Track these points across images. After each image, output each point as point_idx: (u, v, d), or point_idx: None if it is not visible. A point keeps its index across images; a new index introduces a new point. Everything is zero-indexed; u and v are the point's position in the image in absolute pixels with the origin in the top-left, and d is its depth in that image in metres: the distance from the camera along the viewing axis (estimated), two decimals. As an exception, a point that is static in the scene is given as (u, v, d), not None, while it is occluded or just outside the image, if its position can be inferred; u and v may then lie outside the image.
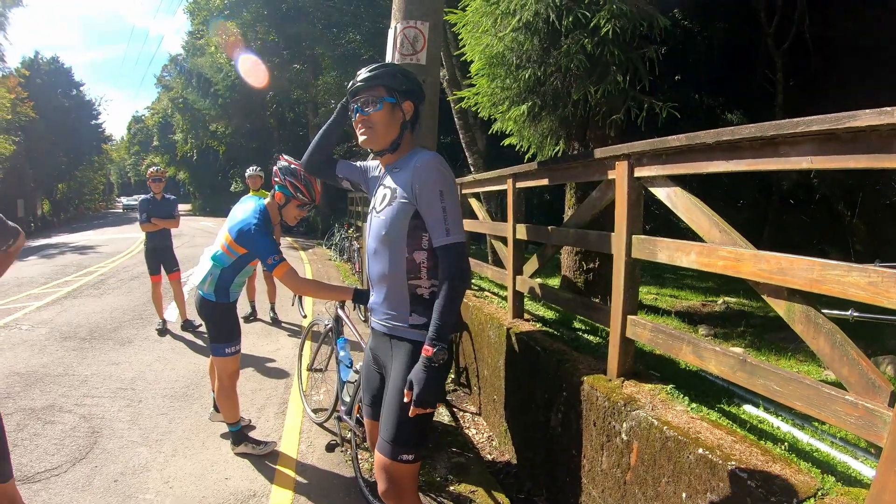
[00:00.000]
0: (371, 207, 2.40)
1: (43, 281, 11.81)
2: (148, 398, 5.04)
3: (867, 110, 1.60)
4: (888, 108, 1.54)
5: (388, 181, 2.33)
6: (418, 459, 2.28)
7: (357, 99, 2.33)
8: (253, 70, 21.11)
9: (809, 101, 11.60)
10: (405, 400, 2.12)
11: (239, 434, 4.07)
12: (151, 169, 7.43)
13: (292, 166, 3.58)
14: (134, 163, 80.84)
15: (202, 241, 19.98)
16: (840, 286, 1.74)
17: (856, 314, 2.48)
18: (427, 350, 2.09)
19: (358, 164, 2.68)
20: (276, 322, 7.86)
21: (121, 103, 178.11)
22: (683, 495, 2.15)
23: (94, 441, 4.23)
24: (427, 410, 2.12)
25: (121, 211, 63.35)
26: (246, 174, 8.13)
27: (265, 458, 4.02)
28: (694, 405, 2.49)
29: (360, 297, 3.51)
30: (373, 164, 2.61)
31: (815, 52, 11.53)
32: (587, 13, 4.40)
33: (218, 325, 3.85)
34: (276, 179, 3.60)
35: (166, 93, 44.08)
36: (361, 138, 2.33)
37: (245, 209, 3.64)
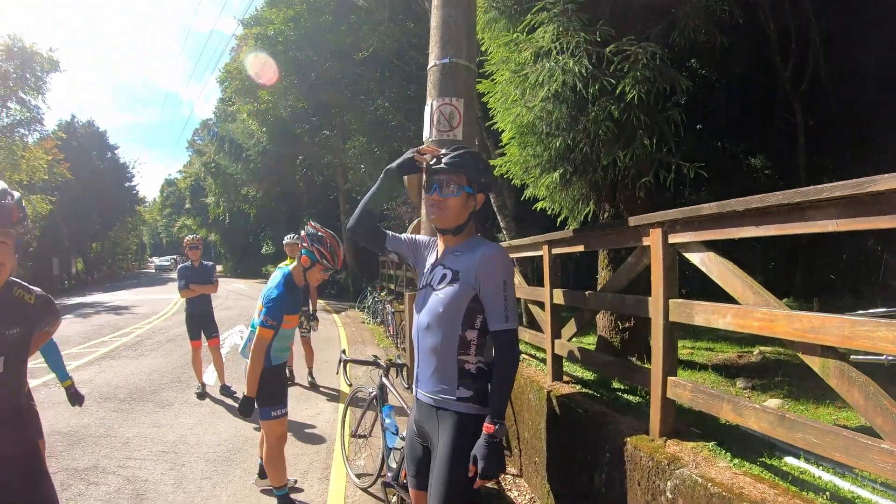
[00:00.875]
0: (425, 283, 2.53)
1: (80, 340, 12.11)
2: (191, 462, 5.14)
3: (886, 175, 1.72)
4: None
5: (450, 262, 2.46)
6: None
7: (436, 178, 2.45)
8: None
9: (830, 140, 11.67)
10: (469, 475, 2.22)
11: (285, 498, 4.16)
12: (189, 237, 7.72)
13: (319, 233, 3.89)
14: (166, 224, 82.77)
15: (234, 303, 20.32)
16: (870, 341, 1.83)
17: (890, 358, 2.53)
18: (489, 427, 2.21)
19: (404, 237, 2.81)
20: (314, 387, 7.95)
21: (154, 166, 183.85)
22: (731, 553, 2.18)
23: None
24: (491, 481, 2.25)
25: (153, 271, 64.49)
26: (284, 242, 8.34)
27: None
28: (736, 460, 2.54)
29: (245, 405, 3.86)
30: (423, 240, 2.75)
31: (832, 89, 11.60)
32: (612, 80, 4.60)
33: (262, 389, 3.95)
34: (304, 245, 3.89)
35: (198, 157, 45.55)
36: (431, 215, 2.48)
37: (273, 278, 3.99)
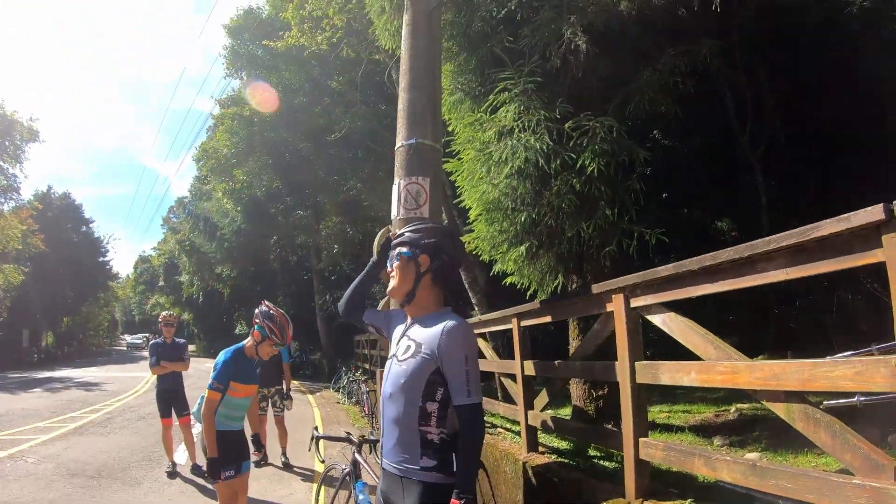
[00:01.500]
0: (392, 354, 2.56)
1: (48, 415, 11.75)
2: (162, 544, 4.97)
3: (827, 220, 1.83)
4: (844, 216, 1.77)
5: (414, 333, 2.49)
6: None
7: (390, 254, 2.61)
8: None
9: (792, 198, 12.05)
10: None
11: None
12: (165, 313, 7.69)
13: (271, 311, 4.20)
14: (139, 301, 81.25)
15: (206, 382, 19.73)
16: (830, 381, 1.91)
17: (862, 399, 2.61)
18: (455, 503, 2.19)
19: (381, 309, 2.90)
20: (287, 467, 7.74)
21: (128, 242, 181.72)
22: None
23: None
24: None
25: (125, 349, 62.95)
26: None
27: None
28: None
29: (211, 466, 4.06)
30: (395, 312, 2.80)
31: (789, 150, 12.07)
32: (573, 154, 4.79)
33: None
34: (257, 321, 4.17)
35: (173, 234, 45.36)
36: (387, 289, 2.60)
37: (226, 349, 4.28)
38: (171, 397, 7.38)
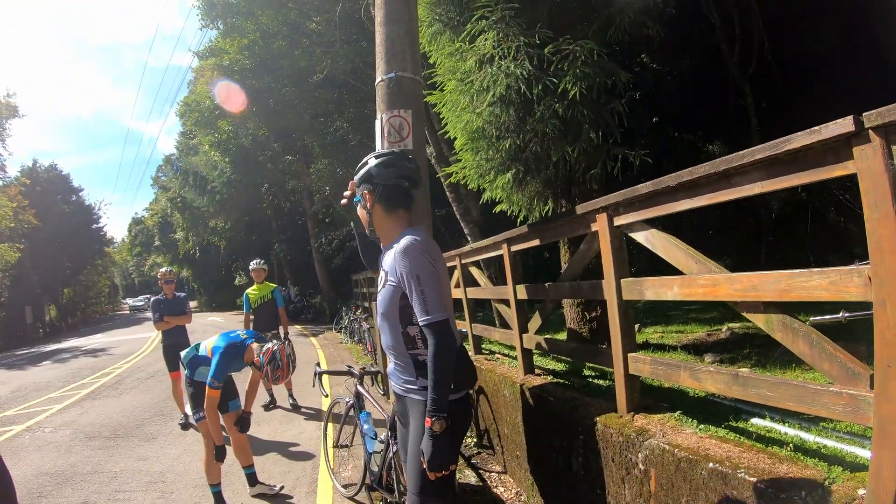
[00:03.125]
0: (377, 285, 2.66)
1: (60, 385, 11.97)
2: (179, 489, 5.15)
3: (799, 133, 1.84)
4: (816, 128, 1.78)
5: (384, 262, 2.59)
6: None
7: None
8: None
9: (782, 119, 11.99)
10: (423, 466, 2.32)
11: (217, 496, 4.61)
12: (162, 270, 7.76)
13: (280, 362, 4.26)
14: (137, 264, 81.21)
15: (211, 335, 19.98)
16: (806, 290, 1.95)
17: (847, 314, 2.68)
18: (427, 422, 2.29)
19: None
20: (296, 408, 7.94)
21: (120, 206, 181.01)
22: (701, 511, 2.29)
23: None
24: (443, 473, 2.30)
25: (128, 312, 63.66)
26: (250, 268, 8.42)
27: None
28: (702, 426, 2.66)
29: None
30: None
31: (779, 71, 11.95)
32: (554, 80, 4.73)
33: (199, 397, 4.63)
34: (263, 355, 4.28)
35: (164, 193, 44.95)
36: None
37: (223, 339, 4.58)
38: (177, 351, 7.50)
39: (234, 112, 21.50)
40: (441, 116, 6.22)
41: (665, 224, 2.92)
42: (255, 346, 4.44)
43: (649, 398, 3.23)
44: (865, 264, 1.74)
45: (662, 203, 2.64)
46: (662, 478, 2.53)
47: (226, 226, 32.63)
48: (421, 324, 2.34)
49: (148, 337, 21.32)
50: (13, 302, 35.83)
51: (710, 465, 2.25)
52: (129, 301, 73.47)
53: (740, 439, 2.51)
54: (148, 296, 65.16)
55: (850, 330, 2.44)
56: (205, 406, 4.41)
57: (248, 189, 27.63)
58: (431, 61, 6.23)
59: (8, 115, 32.69)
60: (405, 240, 2.42)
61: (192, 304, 51.95)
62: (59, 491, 5.30)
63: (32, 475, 5.77)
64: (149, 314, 8.39)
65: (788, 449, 2.37)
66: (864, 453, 2.32)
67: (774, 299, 2.12)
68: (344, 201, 2.78)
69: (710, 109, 13.29)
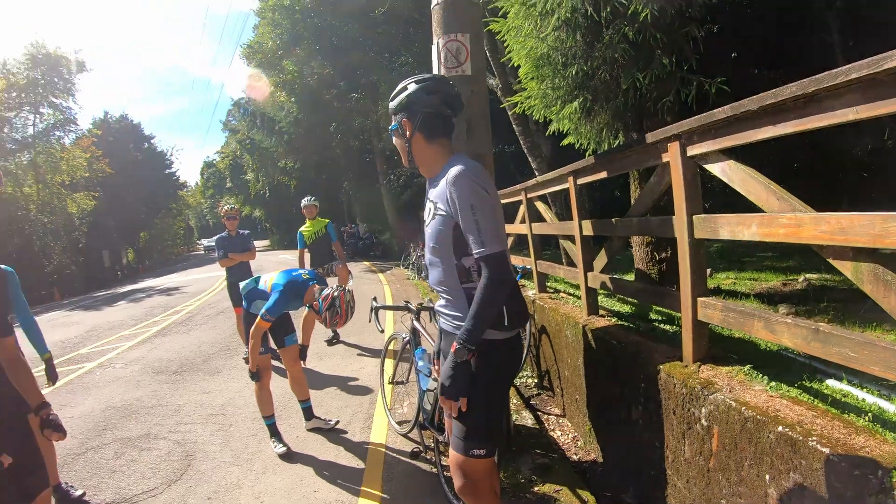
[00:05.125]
0: (423, 221, 2.49)
1: (132, 323, 12.52)
2: (238, 422, 5.27)
3: None
4: None
5: (431, 194, 2.40)
6: (490, 454, 2.34)
7: None
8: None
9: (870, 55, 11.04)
10: (441, 404, 2.24)
11: (271, 428, 4.68)
12: (225, 208, 7.83)
13: (339, 309, 4.19)
14: (210, 206, 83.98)
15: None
16: (905, 237, 1.65)
17: None
18: (452, 346, 2.17)
19: None
20: (357, 344, 8.02)
21: (191, 151, 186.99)
22: (767, 477, 2.07)
23: (188, 464, 4.49)
24: (453, 405, 2.21)
25: (202, 252, 66.01)
26: (301, 205, 8.39)
27: (352, 470, 4.15)
28: (773, 384, 2.40)
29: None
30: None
31: (868, 5, 10.91)
32: (623, 1, 4.34)
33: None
34: (322, 298, 4.22)
35: (233, 136, 45.78)
36: None
37: (285, 276, 4.54)
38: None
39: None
40: (505, 45, 5.91)
41: (746, 159, 2.59)
42: (315, 288, 4.38)
43: (717, 348, 2.97)
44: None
45: (742, 130, 2.33)
46: (726, 437, 2.32)
47: (295, 165, 32.99)
48: (477, 255, 2.17)
49: (219, 276, 21.98)
50: (91, 247, 37.85)
51: (780, 428, 2.01)
52: (204, 241, 76.19)
53: (814, 402, 2.24)
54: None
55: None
56: (251, 330, 4.40)
57: (316, 128, 27.73)
58: (491, -16, 5.87)
59: (77, 71, 33.88)
60: (455, 169, 2.23)
61: (264, 242, 53.59)
62: (123, 423, 5.51)
63: (100, 409, 6.03)
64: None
65: (867, 419, 2.07)
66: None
67: (866, 245, 1.81)
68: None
69: (792, 45, 12.34)
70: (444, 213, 2.27)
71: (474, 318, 2.14)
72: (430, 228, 2.37)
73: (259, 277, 4.85)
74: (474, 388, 2.24)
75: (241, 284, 4.99)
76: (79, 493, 4.10)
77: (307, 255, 8.22)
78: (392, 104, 2.44)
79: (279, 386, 5.95)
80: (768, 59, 12.56)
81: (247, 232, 7.80)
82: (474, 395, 2.24)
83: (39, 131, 33.32)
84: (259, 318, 4.30)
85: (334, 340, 8.16)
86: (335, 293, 4.18)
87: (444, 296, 2.43)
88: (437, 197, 2.31)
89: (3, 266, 3.79)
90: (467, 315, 2.22)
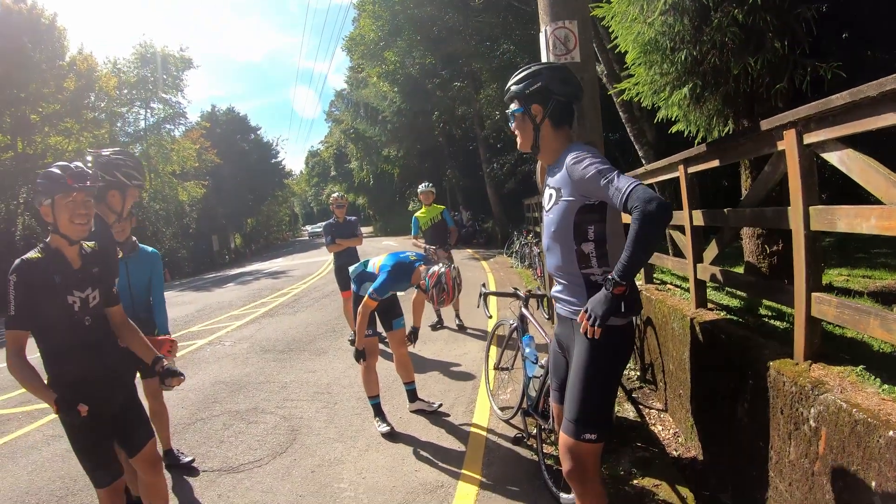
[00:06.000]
0: (543, 207, 2.56)
1: (241, 304, 13.22)
2: (343, 400, 5.51)
3: None
4: None
5: (551, 181, 2.47)
6: (601, 440, 2.37)
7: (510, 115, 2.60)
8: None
9: None
10: (579, 319, 2.25)
11: (376, 407, 4.87)
12: (333, 195, 8.14)
13: (443, 283, 4.29)
14: (315, 193, 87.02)
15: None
16: None
17: None
18: (606, 280, 2.17)
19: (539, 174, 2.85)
20: (462, 329, 8.17)
21: (296, 142, 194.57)
22: (873, 484, 1.97)
23: (294, 438, 4.76)
24: (592, 329, 2.19)
25: (307, 238, 68.97)
26: (419, 191, 8.55)
27: (453, 452, 4.26)
28: (886, 386, 2.26)
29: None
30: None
31: None
32: (732, -17, 4.17)
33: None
34: (431, 279, 4.34)
35: (337, 126, 47.25)
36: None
37: (393, 258, 4.66)
38: (348, 272, 7.84)
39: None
40: (610, 30, 5.79)
41: (865, 148, 2.44)
42: (422, 268, 4.50)
43: (829, 346, 2.83)
44: None
45: (862, 117, 2.20)
46: (833, 440, 2.22)
47: (398, 154, 33.59)
48: (624, 202, 2.11)
49: (324, 260, 22.81)
50: (201, 232, 40.72)
51: (891, 433, 1.90)
52: (308, 228, 79.44)
53: (928, 408, 2.09)
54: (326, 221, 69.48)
55: None
56: (359, 309, 4.55)
57: (419, 117, 28.10)
58: (596, -30, 5.75)
59: (183, 67, 36.14)
60: (573, 153, 2.33)
61: (368, 229, 55.13)
62: (231, 397, 5.88)
63: (210, 383, 6.46)
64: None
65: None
66: None
67: None
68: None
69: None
70: (566, 199, 2.33)
71: (628, 254, 2.11)
72: (551, 214, 2.43)
73: (368, 261, 5.01)
74: (590, 372, 2.31)
75: (351, 268, 5.19)
76: (188, 459, 4.45)
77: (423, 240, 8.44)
78: (517, 88, 2.50)
79: (384, 368, 6.15)
80: (881, 41, 11.64)
81: (353, 219, 8.10)
82: (590, 378, 2.31)
83: (150, 125, 36.10)
84: (367, 297, 4.45)
85: (438, 326, 8.31)
86: (441, 270, 4.28)
87: (562, 281, 2.50)
88: (559, 182, 2.38)
89: (144, 246, 4.32)
90: (586, 298, 2.30)
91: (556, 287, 2.57)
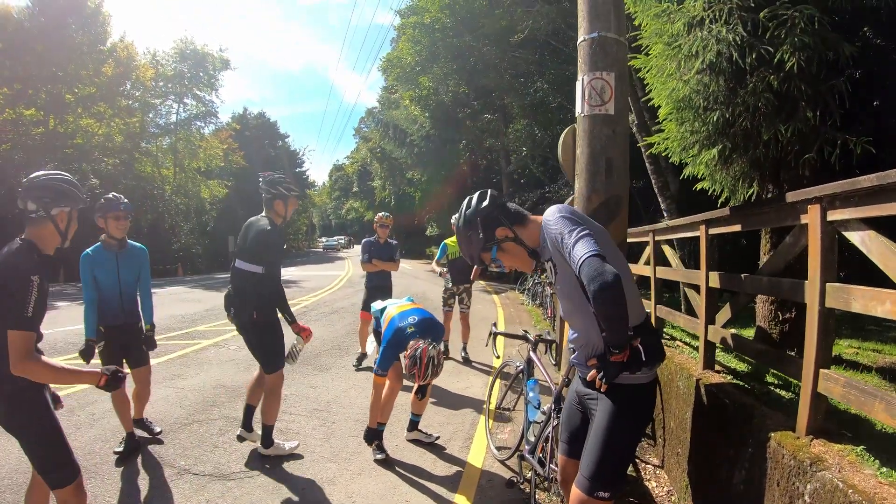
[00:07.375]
0: (552, 283, 2.59)
1: None
2: (341, 421, 5.49)
3: None
4: None
5: (545, 256, 2.52)
6: (612, 498, 2.37)
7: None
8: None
9: None
10: (588, 363, 2.27)
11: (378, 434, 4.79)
12: (380, 215, 7.99)
13: (417, 357, 4.14)
14: (335, 207, 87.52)
15: (400, 280, 21.10)
16: None
17: None
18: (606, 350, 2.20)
19: None
20: (467, 362, 8.14)
21: (322, 154, 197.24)
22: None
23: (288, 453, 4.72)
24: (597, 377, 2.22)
25: (321, 250, 68.86)
26: (452, 220, 8.56)
27: (445, 487, 4.23)
28: (884, 469, 2.24)
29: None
30: None
31: None
32: (769, 48, 4.20)
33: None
34: (408, 354, 4.20)
35: (364, 143, 47.77)
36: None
37: (400, 318, 4.62)
38: (378, 295, 7.56)
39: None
40: (645, 83, 5.86)
41: (887, 230, 2.45)
42: (411, 343, 4.35)
43: (832, 421, 2.81)
44: None
45: (888, 201, 2.22)
46: (827, 518, 2.20)
47: (422, 178, 33.84)
48: (578, 274, 2.16)
49: (337, 275, 22.82)
50: (218, 232, 40.90)
51: (883, 519, 1.89)
52: (324, 240, 79.71)
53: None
54: (341, 237, 69.70)
55: None
56: (373, 384, 4.66)
57: (446, 144, 28.38)
58: (636, 23, 5.81)
59: (220, 68, 36.84)
60: (546, 226, 2.42)
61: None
62: (230, 403, 5.90)
63: (211, 386, 6.49)
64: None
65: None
66: None
67: None
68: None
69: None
70: (563, 265, 2.35)
71: (608, 326, 2.15)
72: (559, 285, 2.47)
73: (386, 308, 5.00)
74: (612, 433, 2.34)
75: (373, 306, 5.28)
76: (158, 430, 4.98)
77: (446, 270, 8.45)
78: (480, 238, 2.60)
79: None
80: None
81: (395, 242, 7.94)
82: (611, 439, 2.33)
83: (181, 119, 36.63)
84: (374, 375, 4.55)
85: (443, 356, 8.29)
86: (420, 346, 4.16)
87: (584, 341, 2.52)
88: (551, 254, 2.43)
89: (133, 243, 4.81)
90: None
91: (577, 346, 2.58)
